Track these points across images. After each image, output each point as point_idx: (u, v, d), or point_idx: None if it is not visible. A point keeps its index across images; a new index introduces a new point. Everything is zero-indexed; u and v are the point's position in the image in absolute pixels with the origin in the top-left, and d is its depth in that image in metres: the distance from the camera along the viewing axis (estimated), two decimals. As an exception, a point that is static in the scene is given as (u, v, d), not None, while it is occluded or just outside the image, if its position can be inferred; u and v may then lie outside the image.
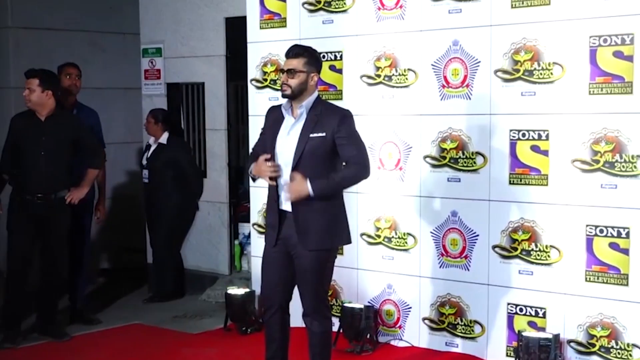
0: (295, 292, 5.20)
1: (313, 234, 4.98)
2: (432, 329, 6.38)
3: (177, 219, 8.27)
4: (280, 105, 5.18)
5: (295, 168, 4.97)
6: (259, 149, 5.26)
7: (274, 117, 5.17)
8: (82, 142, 6.72)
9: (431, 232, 6.31)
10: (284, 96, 5.08)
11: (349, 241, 5.26)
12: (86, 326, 7.22)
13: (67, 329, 7.03)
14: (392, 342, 6.53)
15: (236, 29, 7.82)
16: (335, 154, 5.01)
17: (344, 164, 5.04)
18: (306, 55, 5.07)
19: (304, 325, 5.21)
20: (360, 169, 5.01)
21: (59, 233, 6.72)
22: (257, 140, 5.41)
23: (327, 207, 5.00)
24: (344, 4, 6.64)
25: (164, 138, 8.12)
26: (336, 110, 5.10)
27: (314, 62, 5.10)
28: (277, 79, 6.94)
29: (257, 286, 6.58)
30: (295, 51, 5.09)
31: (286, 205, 5.04)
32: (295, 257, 5.06)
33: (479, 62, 5.99)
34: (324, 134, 4.97)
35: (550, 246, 5.77)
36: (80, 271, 7.40)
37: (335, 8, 6.68)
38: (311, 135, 4.98)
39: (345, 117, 5.05)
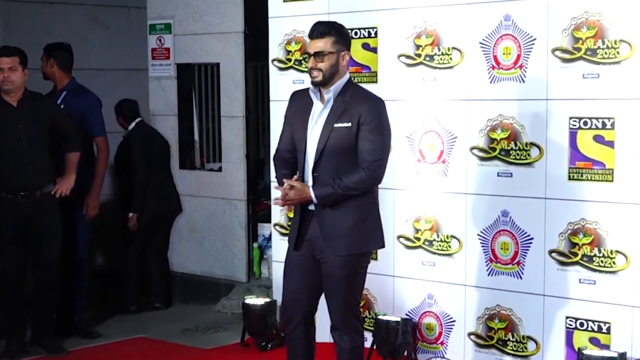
0: (322, 302, 5.23)
1: (341, 237, 5.02)
2: (479, 345, 6.39)
3: (144, 219, 8.33)
4: (307, 89, 5.20)
5: (317, 164, 5.02)
6: (283, 147, 5.28)
7: (303, 104, 5.20)
8: (58, 125, 6.76)
9: (478, 235, 6.32)
10: (314, 84, 5.10)
11: (382, 245, 5.28)
12: (84, 340, 7.27)
13: (64, 343, 7.07)
14: (433, 361, 6.57)
15: (256, 2, 7.84)
16: None
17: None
18: (333, 33, 5.09)
19: (331, 341, 5.25)
20: (369, 179, 5.02)
21: (50, 234, 6.78)
22: (281, 134, 5.40)
23: (356, 206, 5.04)
24: (379, -27, 6.67)
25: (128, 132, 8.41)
26: (366, 97, 5.12)
27: (343, 40, 5.12)
28: (303, 59, 6.97)
29: (278, 295, 6.60)
30: (320, 30, 5.09)
31: (311, 205, 5.08)
32: (322, 262, 5.10)
33: (534, 39, 5.98)
34: (349, 124, 4.99)
35: (616, 251, 5.75)
36: (78, 278, 7.42)
37: (369, -22, 6.72)
38: (335, 125, 5.01)
39: (375, 106, 5.07)
